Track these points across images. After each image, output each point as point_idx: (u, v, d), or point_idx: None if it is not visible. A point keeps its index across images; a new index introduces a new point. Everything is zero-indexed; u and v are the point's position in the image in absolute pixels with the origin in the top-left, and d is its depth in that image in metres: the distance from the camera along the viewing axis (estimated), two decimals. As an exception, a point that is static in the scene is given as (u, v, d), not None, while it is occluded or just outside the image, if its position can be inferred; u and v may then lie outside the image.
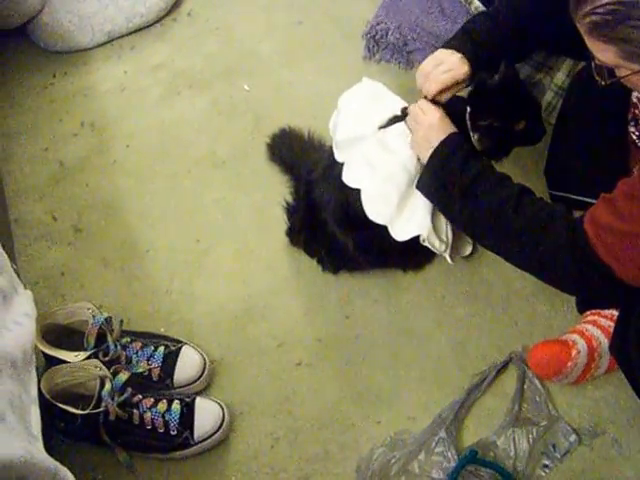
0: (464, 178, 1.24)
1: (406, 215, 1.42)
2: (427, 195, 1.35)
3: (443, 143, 1.30)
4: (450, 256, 1.49)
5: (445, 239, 1.46)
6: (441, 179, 1.29)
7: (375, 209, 1.41)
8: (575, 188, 1.45)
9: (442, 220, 1.45)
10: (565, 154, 1.46)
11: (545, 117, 1.79)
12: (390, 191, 1.40)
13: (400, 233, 1.42)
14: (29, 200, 1.82)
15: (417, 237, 1.42)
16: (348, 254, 1.53)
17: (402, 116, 1.47)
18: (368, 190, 1.42)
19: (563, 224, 1.13)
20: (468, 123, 1.45)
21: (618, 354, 1.28)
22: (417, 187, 1.36)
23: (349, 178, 1.44)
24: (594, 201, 1.41)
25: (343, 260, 1.59)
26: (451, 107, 1.47)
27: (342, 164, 1.47)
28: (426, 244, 1.43)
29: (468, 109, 1.44)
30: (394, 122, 1.48)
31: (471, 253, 1.61)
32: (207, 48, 2.11)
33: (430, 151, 1.30)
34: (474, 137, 1.44)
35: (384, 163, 1.42)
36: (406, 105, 1.49)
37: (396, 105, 1.51)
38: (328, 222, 1.51)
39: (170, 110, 1.98)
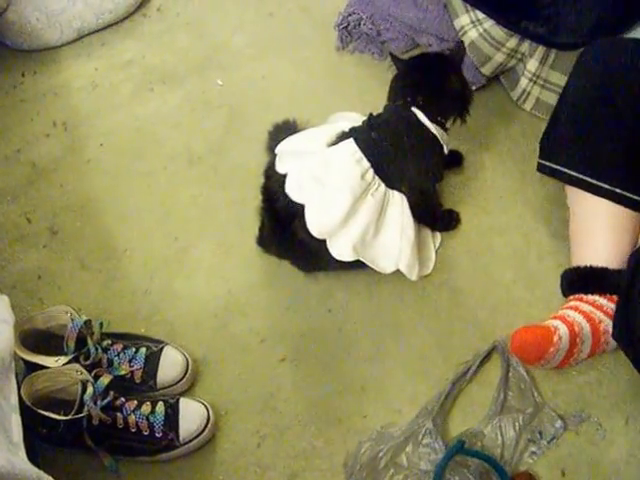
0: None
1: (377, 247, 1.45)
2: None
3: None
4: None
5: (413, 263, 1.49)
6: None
7: (318, 225, 1.41)
8: (566, 162, 1.46)
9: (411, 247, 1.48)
10: (563, 128, 1.47)
11: (520, 104, 1.80)
12: (335, 209, 1.40)
13: (340, 252, 1.42)
14: (2, 203, 1.78)
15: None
16: (323, 261, 1.50)
17: (350, 133, 1.47)
18: (313, 206, 1.41)
19: None
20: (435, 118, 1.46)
21: (621, 340, 1.29)
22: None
23: (294, 193, 1.43)
24: (582, 176, 1.43)
25: (317, 262, 1.56)
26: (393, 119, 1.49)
27: (283, 175, 1.46)
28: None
29: (422, 115, 1.47)
30: (342, 139, 1.46)
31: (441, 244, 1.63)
32: (178, 43, 2.09)
33: None
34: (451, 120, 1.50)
35: (330, 181, 1.42)
36: (355, 126, 1.49)
37: (346, 123, 1.51)
38: (298, 231, 1.46)
39: (143, 107, 1.95)
